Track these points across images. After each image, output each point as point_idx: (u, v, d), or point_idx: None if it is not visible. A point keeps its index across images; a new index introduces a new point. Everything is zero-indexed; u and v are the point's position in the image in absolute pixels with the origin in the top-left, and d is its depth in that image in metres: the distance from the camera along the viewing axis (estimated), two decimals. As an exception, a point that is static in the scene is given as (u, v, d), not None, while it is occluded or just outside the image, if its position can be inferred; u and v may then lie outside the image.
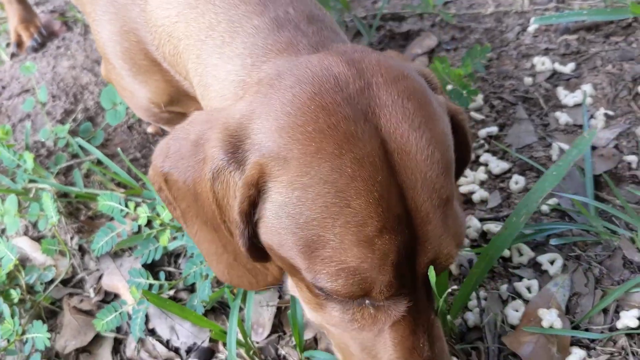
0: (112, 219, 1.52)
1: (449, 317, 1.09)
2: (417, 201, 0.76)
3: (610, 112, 1.53)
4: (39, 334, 1.30)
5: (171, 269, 1.46)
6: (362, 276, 0.76)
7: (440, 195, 0.78)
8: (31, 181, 1.67)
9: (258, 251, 0.86)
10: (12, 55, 2.36)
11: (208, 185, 0.82)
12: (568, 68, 1.68)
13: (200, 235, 0.94)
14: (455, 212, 0.81)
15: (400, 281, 0.78)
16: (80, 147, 1.78)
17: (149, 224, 1.43)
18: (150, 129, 1.95)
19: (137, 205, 1.42)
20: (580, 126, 1.51)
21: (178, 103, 1.28)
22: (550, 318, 1.11)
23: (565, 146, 1.44)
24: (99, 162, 1.74)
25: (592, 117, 1.53)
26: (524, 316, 1.15)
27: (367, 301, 0.83)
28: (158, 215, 1.37)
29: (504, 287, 1.22)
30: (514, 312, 1.17)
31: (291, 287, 1.00)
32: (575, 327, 1.14)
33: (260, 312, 1.30)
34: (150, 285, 1.36)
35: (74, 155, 1.82)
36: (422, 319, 0.85)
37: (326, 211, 0.74)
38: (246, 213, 0.80)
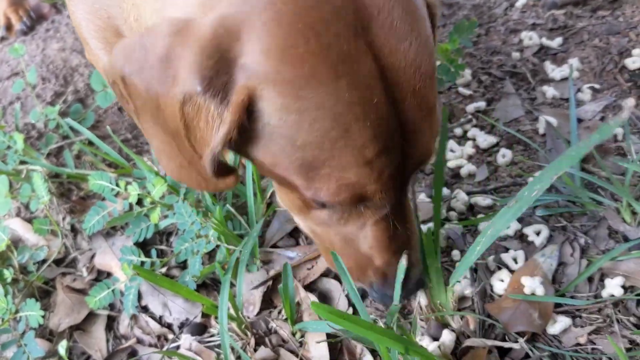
0: (103, 198, 1.53)
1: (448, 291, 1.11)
2: (409, 115, 0.78)
3: (597, 86, 1.54)
4: (32, 312, 1.31)
5: (163, 247, 1.47)
6: (362, 189, 0.81)
7: (429, 105, 0.80)
8: (22, 162, 1.67)
9: (221, 168, 0.84)
10: (1, 39, 2.36)
11: (177, 106, 0.76)
12: (555, 42, 1.69)
13: (152, 131, 0.89)
14: (436, 114, 0.83)
15: (393, 186, 0.84)
16: (71, 128, 1.78)
17: (139, 202, 1.44)
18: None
19: (128, 184, 1.42)
20: (567, 100, 1.52)
21: None
22: (533, 285, 1.13)
23: (551, 119, 1.45)
24: (89, 143, 1.74)
25: (579, 90, 1.55)
26: (510, 284, 1.17)
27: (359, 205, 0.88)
28: (149, 193, 1.38)
29: (490, 258, 1.23)
30: (500, 282, 1.19)
31: (280, 199, 1.04)
32: (561, 296, 1.15)
33: (251, 291, 1.31)
34: (142, 263, 1.37)
35: (65, 137, 1.82)
36: (401, 212, 0.94)
37: (324, 135, 0.75)
38: (233, 139, 0.76)
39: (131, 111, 0.90)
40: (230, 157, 1.14)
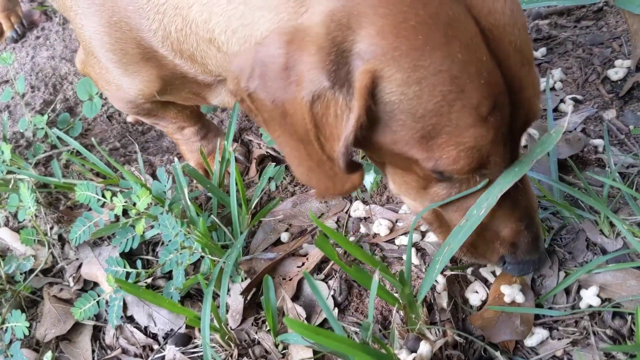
0: (90, 209, 1.54)
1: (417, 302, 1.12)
2: (513, 71, 0.81)
3: (579, 97, 1.56)
4: (18, 323, 1.33)
5: (149, 257, 1.49)
6: (480, 152, 0.84)
7: (529, 60, 0.84)
8: (9, 172, 1.68)
9: (350, 163, 0.89)
10: (-9, 46, 2.36)
11: (306, 107, 0.82)
12: (539, 53, 1.70)
13: (283, 140, 0.94)
14: (535, 70, 0.87)
15: (505, 149, 0.87)
16: (59, 138, 1.79)
17: (125, 213, 1.45)
18: (130, 118, 1.97)
19: (114, 194, 1.44)
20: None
21: (170, 90, 1.28)
22: (512, 293, 1.14)
23: (533, 131, 1.47)
24: (77, 153, 1.75)
25: (562, 101, 1.56)
26: (491, 294, 1.19)
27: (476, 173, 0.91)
28: (134, 204, 1.39)
29: (468, 271, 1.25)
30: (475, 294, 1.20)
31: (393, 185, 1.06)
32: (539, 306, 1.17)
33: (237, 299, 1.32)
34: (128, 274, 1.38)
35: (54, 146, 1.83)
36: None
37: (443, 100, 0.78)
38: (363, 125, 0.81)
39: (261, 123, 0.95)
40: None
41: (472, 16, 0.79)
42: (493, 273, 1.23)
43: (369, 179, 1.42)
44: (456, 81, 0.78)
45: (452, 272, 1.23)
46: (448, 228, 1.05)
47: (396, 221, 1.38)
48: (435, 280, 1.22)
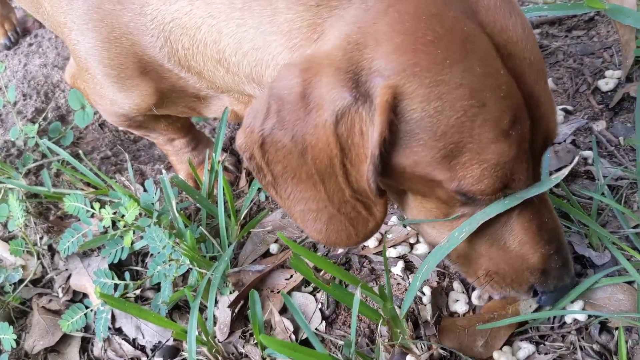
0: (79, 219, 1.53)
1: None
2: (530, 86, 0.82)
3: (570, 107, 1.55)
4: (5, 335, 1.32)
5: (138, 267, 1.48)
6: (504, 170, 0.82)
7: (544, 76, 0.84)
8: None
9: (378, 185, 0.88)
10: (-16, 53, 2.36)
11: (330, 130, 0.81)
12: (530, 63, 1.70)
13: (296, 195, 0.92)
14: (549, 87, 0.87)
15: (528, 167, 0.86)
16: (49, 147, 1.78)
17: (114, 224, 1.45)
18: (122, 127, 1.96)
19: (103, 205, 1.43)
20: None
21: (167, 104, 1.27)
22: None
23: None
24: (68, 162, 1.75)
25: (552, 112, 1.56)
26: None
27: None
28: (122, 216, 1.39)
29: (456, 284, 1.24)
30: (456, 303, 1.20)
31: (412, 212, 1.01)
32: (524, 322, 1.16)
33: (225, 311, 1.32)
34: (116, 285, 1.38)
35: (45, 155, 1.83)
36: (541, 197, 0.93)
37: (464, 115, 0.78)
38: (386, 141, 0.80)
39: (269, 185, 0.93)
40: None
41: (485, 32, 0.80)
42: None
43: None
44: (477, 95, 0.78)
45: (439, 283, 1.23)
46: (477, 260, 1.01)
47: (385, 233, 1.38)
48: (422, 292, 1.22)
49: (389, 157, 0.84)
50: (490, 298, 1.19)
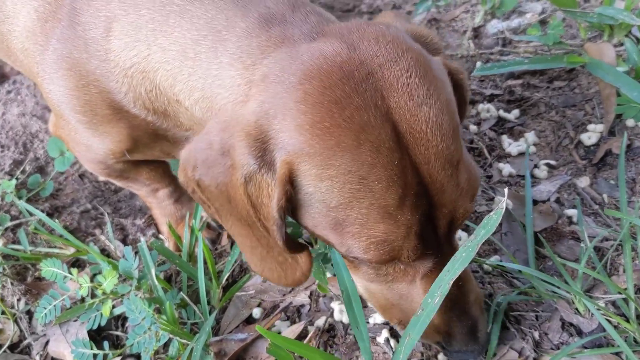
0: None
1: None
2: (432, 174, 0.84)
3: (553, 162, 1.55)
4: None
5: (118, 332, 1.45)
6: (390, 246, 0.87)
7: (452, 163, 0.86)
8: (-25, 242, 1.64)
9: (291, 243, 0.95)
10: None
11: (241, 189, 0.87)
12: (512, 115, 1.69)
13: (235, 229, 0.99)
14: (467, 168, 0.90)
15: (424, 244, 0.89)
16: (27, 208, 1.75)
17: (92, 291, 1.41)
18: (102, 177, 1.93)
19: (82, 266, 1.40)
20: (524, 177, 1.52)
21: (142, 148, 1.27)
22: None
23: (507, 201, 1.45)
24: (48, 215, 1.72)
25: (535, 166, 1.55)
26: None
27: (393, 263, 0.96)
28: (99, 284, 1.35)
29: (441, 356, 1.22)
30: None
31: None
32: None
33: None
34: (95, 355, 1.34)
35: (22, 212, 1.79)
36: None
37: (352, 196, 0.83)
38: (284, 208, 0.86)
39: (214, 214, 0.99)
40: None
41: (391, 120, 0.82)
42: None
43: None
44: (364, 181, 0.82)
45: (423, 354, 1.21)
46: (386, 306, 1.08)
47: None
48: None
49: (294, 217, 0.91)
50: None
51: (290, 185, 0.85)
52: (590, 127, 1.60)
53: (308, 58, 0.84)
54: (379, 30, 0.88)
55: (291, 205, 0.88)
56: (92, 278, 1.44)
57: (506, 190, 0.91)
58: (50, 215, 1.76)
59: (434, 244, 0.92)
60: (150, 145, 1.26)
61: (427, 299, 0.94)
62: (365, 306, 1.35)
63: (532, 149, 1.59)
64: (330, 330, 1.33)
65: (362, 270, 1.03)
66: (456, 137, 0.87)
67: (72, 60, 1.13)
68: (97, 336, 1.42)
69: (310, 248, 1.03)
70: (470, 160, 0.92)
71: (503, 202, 0.85)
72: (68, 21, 1.12)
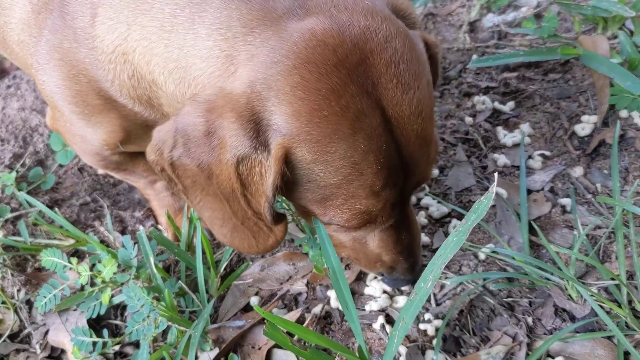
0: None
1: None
2: (412, 153, 0.91)
3: (547, 153, 1.56)
4: (-19, 397, 1.30)
5: (117, 321, 1.46)
6: (370, 215, 0.96)
7: (428, 142, 0.93)
8: (-24, 234, 1.66)
9: (274, 215, 0.99)
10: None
11: (231, 168, 0.89)
12: (507, 107, 1.71)
13: (206, 204, 1.03)
14: (435, 141, 0.98)
15: (393, 209, 0.99)
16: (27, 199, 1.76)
17: (92, 279, 1.43)
18: (100, 171, 1.95)
19: (82, 256, 1.41)
20: (518, 167, 1.54)
21: (134, 139, 1.27)
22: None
23: (501, 190, 1.47)
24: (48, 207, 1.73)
25: (530, 157, 1.57)
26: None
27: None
28: (99, 272, 1.37)
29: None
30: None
31: (299, 214, 1.14)
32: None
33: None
34: (94, 343, 1.36)
35: (22, 204, 1.80)
36: (405, 221, 1.09)
37: (343, 179, 0.89)
38: (278, 185, 0.89)
39: (180, 191, 1.02)
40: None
41: (380, 107, 0.86)
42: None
43: (312, 253, 1.40)
44: (356, 166, 0.87)
45: (414, 343, 1.22)
46: (341, 246, 1.18)
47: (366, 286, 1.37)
48: (398, 352, 1.21)
49: (281, 191, 0.94)
50: None
51: (285, 165, 0.88)
52: (584, 118, 1.61)
53: (299, 39, 0.84)
54: (367, 8, 0.89)
55: (284, 182, 0.91)
56: (92, 267, 1.46)
57: (496, 174, 0.95)
58: (50, 207, 1.78)
59: (398, 207, 1.01)
60: (143, 137, 1.26)
61: (419, 283, 0.96)
62: (361, 294, 1.37)
63: (527, 140, 1.61)
64: (326, 317, 1.35)
65: (333, 228, 1.11)
66: (432, 115, 0.94)
67: (63, 50, 1.13)
68: (96, 325, 1.44)
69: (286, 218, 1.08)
70: (435, 131, 0.98)
71: (493, 186, 0.86)
72: (59, 11, 1.13)
